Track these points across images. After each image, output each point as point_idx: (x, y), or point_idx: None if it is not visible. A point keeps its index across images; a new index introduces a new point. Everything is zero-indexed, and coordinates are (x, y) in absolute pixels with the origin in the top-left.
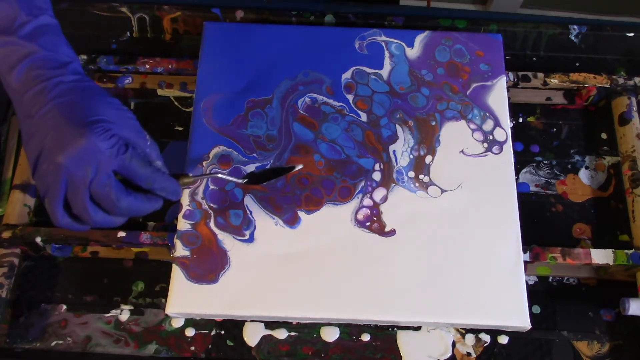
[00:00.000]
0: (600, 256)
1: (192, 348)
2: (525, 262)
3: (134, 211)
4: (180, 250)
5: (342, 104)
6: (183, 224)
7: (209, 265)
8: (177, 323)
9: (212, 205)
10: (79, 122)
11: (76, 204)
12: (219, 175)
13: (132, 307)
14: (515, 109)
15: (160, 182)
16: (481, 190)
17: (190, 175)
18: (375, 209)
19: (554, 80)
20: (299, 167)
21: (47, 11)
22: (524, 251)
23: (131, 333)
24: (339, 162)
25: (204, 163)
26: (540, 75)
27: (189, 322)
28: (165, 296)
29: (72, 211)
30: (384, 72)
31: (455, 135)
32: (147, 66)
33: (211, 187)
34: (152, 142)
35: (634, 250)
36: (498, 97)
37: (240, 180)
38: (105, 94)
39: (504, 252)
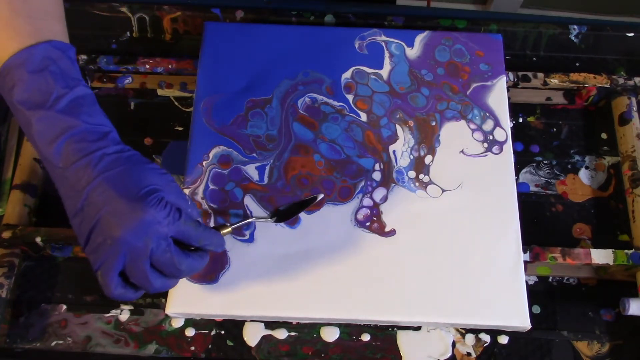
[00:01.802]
0: (600, 256)
1: (192, 348)
2: (525, 262)
3: (192, 271)
4: None
5: (342, 103)
6: None
7: (209, 265)
8: (177, 323)
9: (212, 205)
10: (132, 194)
11: (136, 274)
12: (252, 220)
13: (132, 307)
14: (515, 109)
15: (209, 239)
16: (481, 190)
17: (229, 225)
18: (375, 209)
19: (554, 80)
20: (321, 196)
21: (81, 82)
22: (524, 251)
23: (131, 333)
24: (339, 162)
25: (204, 163)
26: (540, 75)
27: (189, 322)
28: (165, 296)
29: (131, 280)
30: (384, 72)
31: (455, 135)
32: (147, 66)
33: (211, 187)
34: (191, 201)
35: (634, 250)
36: (498, 97)
37: (270, 220)
38: (147, 161)
39: (504, 252)
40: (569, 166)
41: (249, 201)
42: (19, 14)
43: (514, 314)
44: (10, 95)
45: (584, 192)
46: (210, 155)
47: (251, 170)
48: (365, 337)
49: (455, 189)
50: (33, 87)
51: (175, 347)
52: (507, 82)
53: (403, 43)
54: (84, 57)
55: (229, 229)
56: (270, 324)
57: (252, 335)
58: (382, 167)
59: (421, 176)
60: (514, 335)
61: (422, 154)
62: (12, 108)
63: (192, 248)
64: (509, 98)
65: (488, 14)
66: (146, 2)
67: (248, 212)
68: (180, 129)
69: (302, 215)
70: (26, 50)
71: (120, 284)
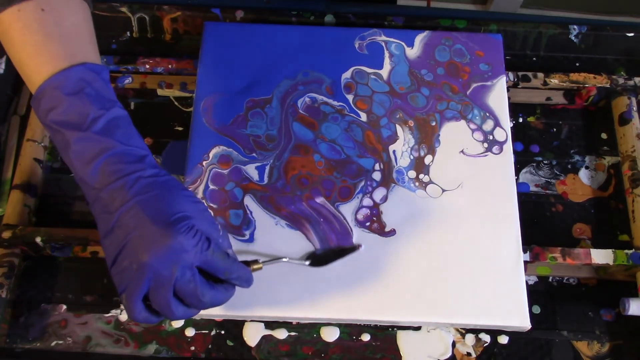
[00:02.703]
0: (600, 256)
1: (192, 348)
2: (525, 262)
3: (215, 304)
4: None
5: (342, 103)
6: None
7: None
8: (177, 323)
9: (212, 205)
10: (163, 220)
11: (159, 301)
12: (284, 260)
13: None
14: (515, 109)
15: (237, 272)
16: (481, 190)
17: (260, 261)
18: (375, 209)
19: (554, 80)
20: (361, 248)
21: (117, 103)
22: (524, 251)
23: (131, 333)
24: (339, 162)
25: (204, 163)
26: (540, 75)
27: (189, 322)
28: None
29: (153, 306)
30: (384, 72)
31: (455, 135)
32: (147, 66)
33: (211, 187)
34: (223, 231)
35: (634, 250)
36: (498, 97)
37: (306, 263)
38: (181, 187)
39: (504, 252)
40: (569, 166)
41: (249, 201)
42: (51, 37)
43: (514, 314)
44: (47, 117)
45: (584, 192)
46: (210, 155)
47: (251, 170)
48: (365, 337)
49: (455, 189)
50: (70, 109)
51: (175, 347)
52: (507, 82)
53: (403, 43)
54: None
55: (260, 265)
56: (270, 324)
57: (252, 335)
58: (382, 167)
59: (421, 176)
60: (514, 335)
61: (422, 154)
62: (50, 130)
63: (219, 280)
64: (509, 98)
65: (488, 14)
66: (146, 2)
67: (248, 211)
68: (180, 129)
69: None
70: (62, 73)
71: (143, 309)
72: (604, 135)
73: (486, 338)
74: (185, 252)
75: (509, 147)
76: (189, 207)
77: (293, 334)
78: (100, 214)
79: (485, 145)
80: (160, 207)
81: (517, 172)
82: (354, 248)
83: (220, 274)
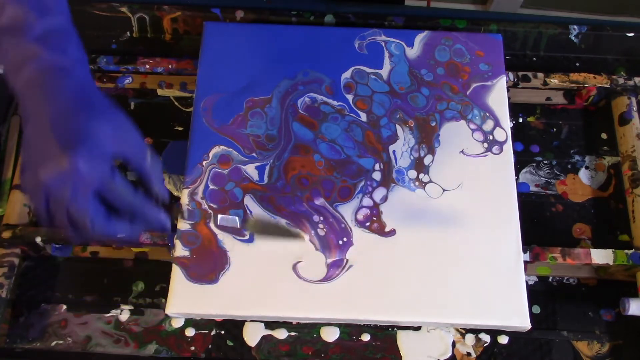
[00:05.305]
0: (600, 256)
1: (192, 348)
2: (525, 262)
3: (107, 235)
4: (180, 250)
5: (341, 103)
6: (183, 224)
7: (209, 265)
8: (177, 323)
9: (212, 205)
10: (66, 140)
11: (55, 219)
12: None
13: (132, 307)
14: (515, 109)
15: (142, 209)
16: (481, 190)
17: (184, 210)
18: (375, 209)
19: (554, 80)
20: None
21: (59, 11)
22: (524, 251)
23: (131, 333)
24: (339, 162)
25: (204, 163)
26: (540, 75)
27: (189, 322)
28: (165, 296)
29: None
30: (384, 72)
31: (455, 135)
32: (147, 66)
33: (211, 186)
34: (154, 160)
35: (634, 250)
36: (498, 97)
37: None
38: (107, 105)
39: (504, 252)
40: (569, 166)
41: (249, 201)
42: None
43: (514, 314)
44: None
45: (584, 192)
46: (210, 155)
47: (251, 170)
48: (365, 337)
49: (455, 189)
50: (8, 13)
51: (175, 347)
52: (507, 82)
53: (403, 43)
54: None
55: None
56: (270, 324)
57: (252, 335)
58: (382, 167)
59: (421, 176)
60: (514, 335)
61: (422, 154)
62: None
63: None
64: (509, 98)
65: (488, 14)
66: (146, 2)
67: (248, 211)
68: (180, 129)
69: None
70: None
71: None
72: (604, 135)
73: (486, 338)
74: (79, 177)
75: (509, 147)
76: (104, 128)
77: (293, 334)
78: (23, 122)
79: (485, 145)
80: (68, 126)
81: (517, 172)
82: (298, 234)
83: (122, 206)
